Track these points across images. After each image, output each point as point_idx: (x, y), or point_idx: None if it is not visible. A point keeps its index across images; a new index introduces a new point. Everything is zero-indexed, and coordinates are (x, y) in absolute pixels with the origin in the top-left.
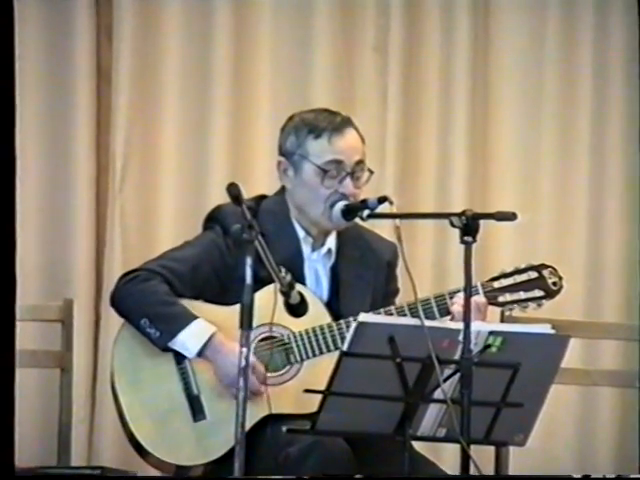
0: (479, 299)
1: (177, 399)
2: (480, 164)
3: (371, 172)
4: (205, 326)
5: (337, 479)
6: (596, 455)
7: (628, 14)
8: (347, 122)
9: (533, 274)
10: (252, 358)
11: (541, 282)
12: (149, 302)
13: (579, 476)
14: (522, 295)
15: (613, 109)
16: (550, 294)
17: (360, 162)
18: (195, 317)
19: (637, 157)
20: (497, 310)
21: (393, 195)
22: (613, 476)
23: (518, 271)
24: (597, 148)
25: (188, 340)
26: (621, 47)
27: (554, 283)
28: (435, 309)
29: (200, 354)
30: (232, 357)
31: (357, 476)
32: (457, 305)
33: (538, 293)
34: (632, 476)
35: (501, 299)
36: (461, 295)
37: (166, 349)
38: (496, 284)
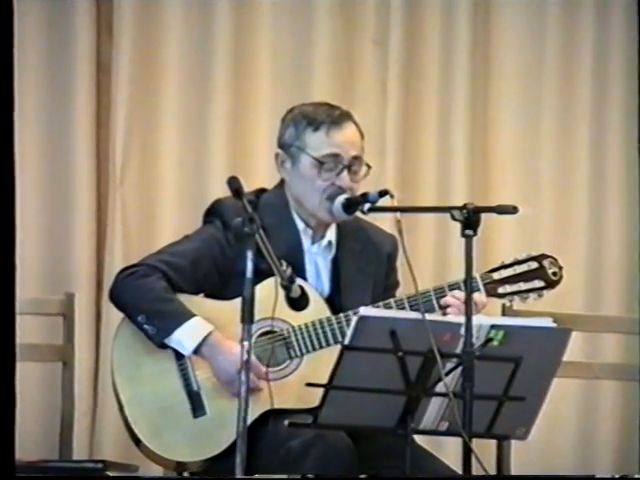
0: (476, 297)
1: (177, 395)
2: (480, 157)
3: (369, 167)
4: (201, 325)
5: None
6: (598, 448)
7: (629, 11)
8: (346, 116)
9: (533, 264)
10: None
11: (541, 272)
12: (147, 298)
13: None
14: (522, 286)
15: (613, 101)
16: (550, 284)
17: (358, 157)
18: (192, 315)
19: (638, 149)
20: (498, 304)
21: (394, 188)
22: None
23: (518, 262)
24: (597, 140)
25: (184, 338)
26: (621, 42)
27: (554, 273)
28: (434, 302)
29: (196, 352)
30: (229, 355)
31: (362, 476)
32: (449, 297)
33: (538, 284)
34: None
35: (501, 290)
36: (456, 291)
37: (163, 346)
38: (495, 275)
